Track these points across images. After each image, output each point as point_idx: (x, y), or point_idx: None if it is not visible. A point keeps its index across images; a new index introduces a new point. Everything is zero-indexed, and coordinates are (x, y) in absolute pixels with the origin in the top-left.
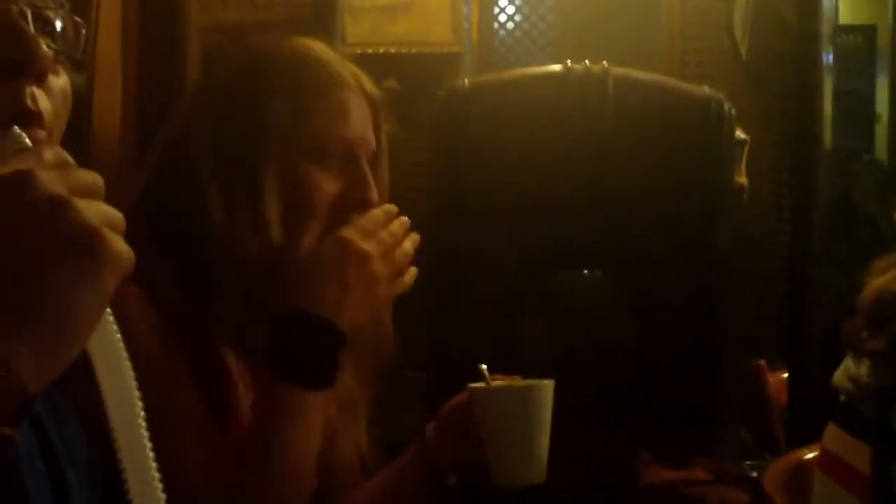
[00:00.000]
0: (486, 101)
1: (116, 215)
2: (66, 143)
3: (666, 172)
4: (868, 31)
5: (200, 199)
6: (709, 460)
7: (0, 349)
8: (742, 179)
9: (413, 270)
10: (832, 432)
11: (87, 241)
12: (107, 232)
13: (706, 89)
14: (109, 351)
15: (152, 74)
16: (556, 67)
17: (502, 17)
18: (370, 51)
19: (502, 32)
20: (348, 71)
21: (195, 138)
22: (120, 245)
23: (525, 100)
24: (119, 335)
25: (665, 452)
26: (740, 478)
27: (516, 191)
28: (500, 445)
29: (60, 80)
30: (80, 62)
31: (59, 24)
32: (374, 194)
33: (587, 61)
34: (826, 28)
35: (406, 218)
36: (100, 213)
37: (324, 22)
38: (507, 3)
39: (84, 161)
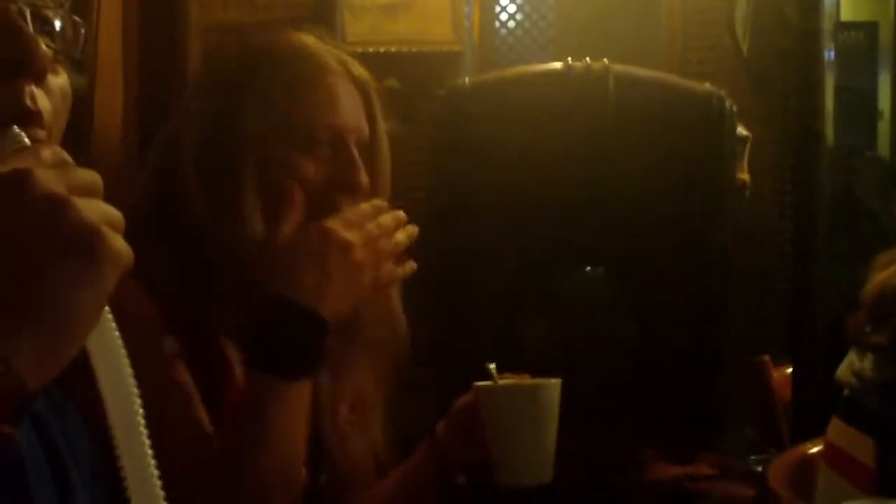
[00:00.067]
0: (486, 99)
1: (115, 214)
2: (67, 143)
3: (667, 170)
4: (870, 28)
5: (187, 196)
6: (714, 455)
7: (0, 347)
8: (744, 176)
9: (410, 263)
10: (836, 426)
11: (87, 239)
12: (106, 230)
13: (707, 86)
14: (108, 349)
15: (153, 74)
16: (557, 65)
17: (503, 16)
18: (370, 50)
19: (503, 31)
20: (334, 57)
21: (181, 136)
22: (119, 243)
23: (526, 98)
24: (118, 333)
25: (667, 450)
26: (745, 473)
27: (516, 190)
28: (506, 444)
29: (60, 80)
30: (79, 62)
31: (58, 24)
32: (363, 178)
33: (588, 59)
34: (827, 25)
35: (401, 212)
36: (99, 211)
37: (324, 21)
38: (507, 1)
39: (85, 161)
